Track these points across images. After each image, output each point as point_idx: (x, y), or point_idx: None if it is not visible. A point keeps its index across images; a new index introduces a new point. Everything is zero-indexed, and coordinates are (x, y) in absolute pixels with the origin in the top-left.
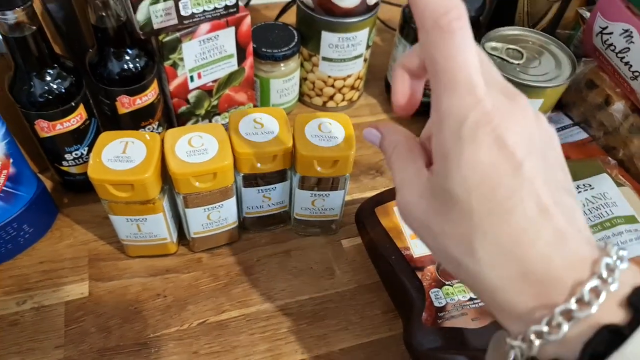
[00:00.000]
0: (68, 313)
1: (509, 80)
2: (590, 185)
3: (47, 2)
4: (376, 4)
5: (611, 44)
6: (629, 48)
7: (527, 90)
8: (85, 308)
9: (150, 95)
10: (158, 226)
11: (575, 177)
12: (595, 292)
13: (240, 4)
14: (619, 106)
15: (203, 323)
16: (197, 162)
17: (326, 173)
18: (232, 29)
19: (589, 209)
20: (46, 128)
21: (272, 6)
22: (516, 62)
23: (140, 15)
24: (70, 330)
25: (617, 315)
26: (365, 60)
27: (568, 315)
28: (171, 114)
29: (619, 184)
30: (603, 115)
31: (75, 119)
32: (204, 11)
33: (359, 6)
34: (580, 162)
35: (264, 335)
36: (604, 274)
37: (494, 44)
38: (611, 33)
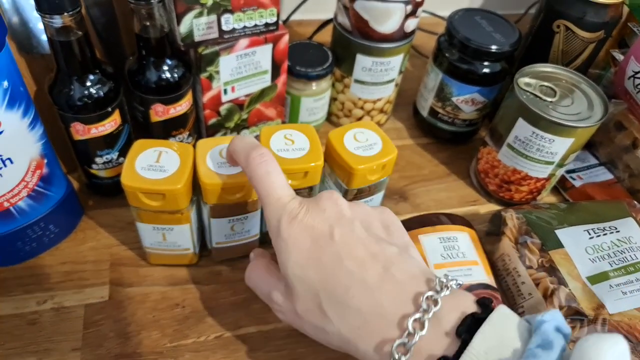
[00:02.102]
0: (87, 316)
1: (541, 117)
2: (615, 228)
3: (90, 7)
4: (413, 32)
5: None
6: None
7: (559, 128)
8: (105, 312)
9: (184, 105)
10: (183, 236)
11: (601, 219)
12: (419, 323)
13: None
14: None
15: (220, 337)
16: (227, 174)
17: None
18: (269, 46)
19: (613, 252)
20: (81, 131)
21: (305, 23)
22: (549, 99)
23: (183, 27)
24: (89, 333)
25: (448, 346)
26: (396, 85)
27: (403, 348)
28: (201, 125)
29: None
30: (630, 158)
31: (110, 124)
32: (245, 27)
33: (396, 32)
34: (606, 203)
35: (281, 354)
36: (425, 306)
37: (527, 79)
38: None
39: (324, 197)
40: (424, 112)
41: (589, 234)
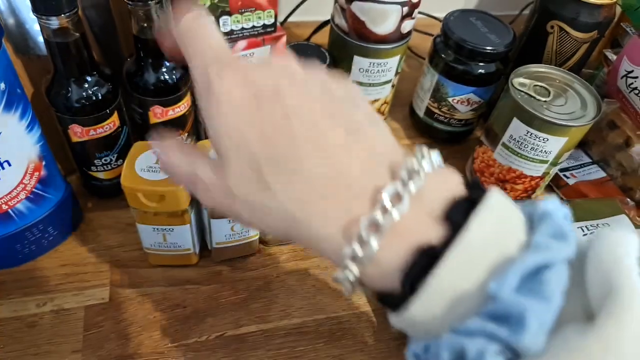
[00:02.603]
0: (88, 317)
1: (535, 117)
2: (609, 225)
3: (87, 9)
4: (409, 32)
5: (635, 88)
6: None
7: (553, 128)
8: (105, 314)
9: (183, 107)
10: (183, 237)
11: (595, 216)
12: (397, 197)
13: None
14: (638, 148)
15: (221, 336)
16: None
17: None
18: (267, 48)
19: None
20: (79, 133)
21: (303, 25)
22: (543, 99)
23: None
24: (89, 335)
25: (433, 232)
26: (393, 86)
27: (374, 227)
28: (200, 127)
29: (637, 226)
30: (622, 156)
31: (109, 126)
32: (243, 29)
33: (392, 33)
34: (599, 201)
35: (281, 352)
36: (404, 177)
37: (522, 79)
38: (636, 77)
39: (274, 58)
40: (420, 113)
41: (583, 231)
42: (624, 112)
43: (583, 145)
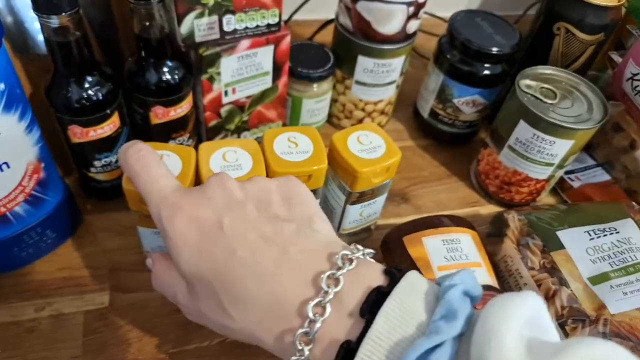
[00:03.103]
0: (87, 323)
1: (542, 119)
2: (615, 229)
3: (87, 7)
4: (414, 33)
5: None
6: None
7: (560, 130)
8: (105, 319)
9: (184, 107)
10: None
11: (601, 220)
12: (321, 307)
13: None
14: None
15: (223, 342)
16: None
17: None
18: (271, 47)
19: (613, 253)
20: (79, 134)
21: (304, 24)
22: (549, 101)
23: (184, 28)
24: (89, 340)
25: (351, 329)
26: (397, 86)
27: (306, 338)
28: (201, 127)
29: None
30: (627, 159)
31: (109, 127)
32: (246, 28)
33: (398, 34)
34: (605, 205)
35: None
36: (325, 287)
37: (528, 81)
38: None
39: (211, 182)
40: (425, 114)
41: (590, 235)
42: (629, 115)
43: (588, 147)
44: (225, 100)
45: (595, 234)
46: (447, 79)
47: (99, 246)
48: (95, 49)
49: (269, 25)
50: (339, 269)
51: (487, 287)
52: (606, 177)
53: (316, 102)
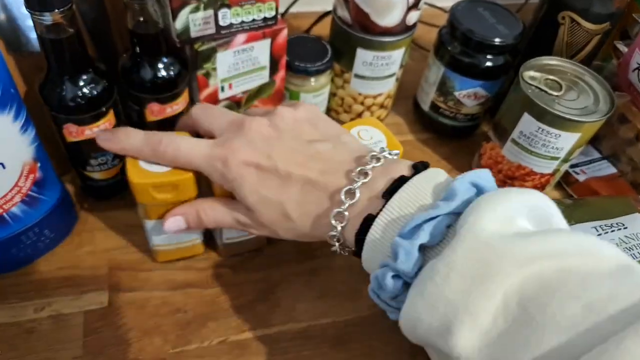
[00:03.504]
0: (87, 323)
1: (547, 112)
2: (623, 225)
3: (80, 3)
4: (414, 24)
5: None
6: None
7: (566, 123)
8: (105, 319)
9: (180, 104)
10: None
11: (608, 215)
12: (351, 193)
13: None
14: None
15: (224, 341)
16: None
17: None
18: (267, 41)
19: (622, 249)
20: (75, 132)
21: (301, 15)
22: (555, 93)
23: (178, 23)
24: (89, 340)
25: (376, 207)
26: (397, 79)
27: (339, 217)
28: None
29: None
30: (633, 151)
31: (105, 125)
32: (242, 22)
33: (398, 25)
34: (612, 199)
35: (285, 357)
36: (356, 178)
37: (532, 73)
38: None
39: (245, 127)
40: (425, 107)
41: (597, 231)
42: (635, 106)
43: (593, 140)
44: (221, 96)
45: (603, 230)
46: (448, 71)
47: (98, 245)
48: (89, 46)
49: (265, 19)
50: (368, 164)
51: None
52: (612, 170)
53: (314, 96)
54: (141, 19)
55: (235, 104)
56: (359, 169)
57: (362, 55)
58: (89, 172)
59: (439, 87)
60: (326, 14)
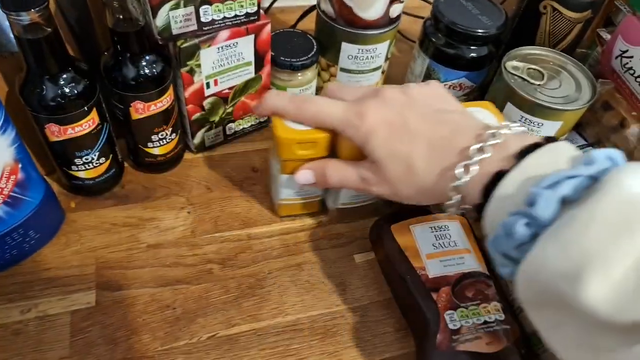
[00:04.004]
0: (74, 323)
1: (529, 100)
2: None
3: (61, 1)
4: (398, 17)
5: (630, 68)
6: None
7: (547, 112)
8: (92, 318)
9: (165, 101)
10: None
11: None
12: (481, 152)
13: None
14: (634, 130)
15: (213, 337)
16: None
17: None
18: (251, 37)
19: None
20: (57, 132)
21: (288, 10)
22: (537, 82)
23: (159, 20)
24: (76, 341)
25: (507, 163)
26: (383, 72)
27: (467, 169)
28: (185, 120)
29: None
30: (617, 138)
31: (88, 124)
32: (224, 18)
33: (381, 18)
34: None
35: (275, 351)
36: (487, 139)
37: (515, 62)
38: (631, 57)
39: (380, 93)
40: None
41: None
42: (618, 93)
43: (577, 127)
44: (207, 92)
45: None
46: (433, 63)
47: (85, 244)
48: (71, 44)
49: (247, 15)
50: (499, 130)
51: (476, 274)
52: None
53: (301, 90)
54: (121, 16)
55: (222, 99)
56: (490, 131)
57: (347, 49)
58: (74, 171)
59: (425, 79)
60: (312, 8)
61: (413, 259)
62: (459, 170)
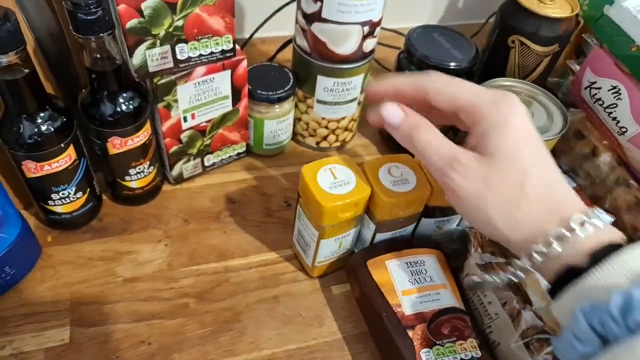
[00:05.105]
0: None
1: None
2: None
3: (41, 38)
4: (372, 51)
5: (599, 99)
6: (616, 104)
7: None
8: (65, 356)
9: (142, 136)
10: (353, 237)
11: None
12: (583, 224)
13: (237, 47)
14: (605, 158)
15: None
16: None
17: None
18: (227, 72)
19: None
20: (34, 169)
21: (269, 41)
22: None
23: (136, 59)
24: None
25: (583, 260)
26: (359, 103)
27: (560, 239)
28: (163, 154)
29: None
30: (590, 166)
31: (64, 160)
32: (200, 55)
33: (354, 53)
34: None
35: None
36: (588, 218)
37: None
38: (600, 88)
39: (512, 102)
40: None
41: None
42: (589, 122)
43: (552, 155)
44: (185, 125)
45: None
46: None
47: (60, 279)
48: (50, 80)
49: (223, 51)
50: (590, 217)
51: (452, 309)
52: (572, 184)
53: (278, 122)
54: (98, 56)
55: (199, 132)
56: (595, 211)
57: (323, 82)
58: (50, 206)
59: None
60: (291, 40)
61: (389, 295)
62: (552, 238)
